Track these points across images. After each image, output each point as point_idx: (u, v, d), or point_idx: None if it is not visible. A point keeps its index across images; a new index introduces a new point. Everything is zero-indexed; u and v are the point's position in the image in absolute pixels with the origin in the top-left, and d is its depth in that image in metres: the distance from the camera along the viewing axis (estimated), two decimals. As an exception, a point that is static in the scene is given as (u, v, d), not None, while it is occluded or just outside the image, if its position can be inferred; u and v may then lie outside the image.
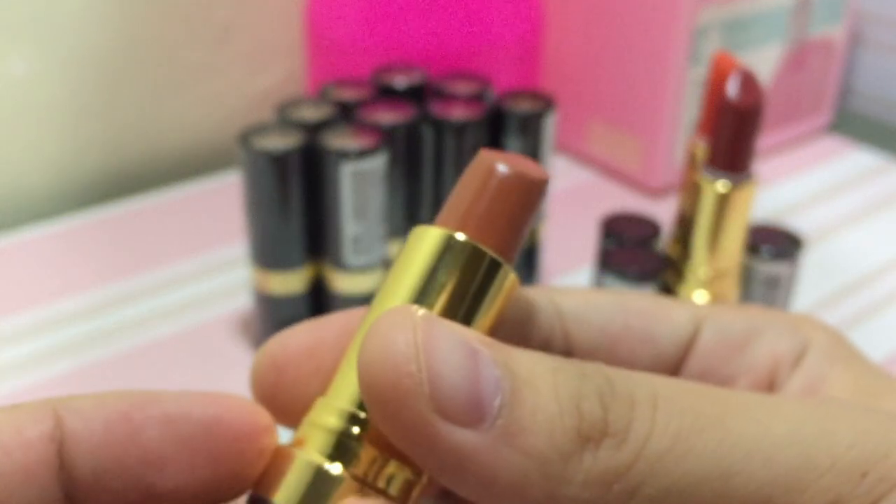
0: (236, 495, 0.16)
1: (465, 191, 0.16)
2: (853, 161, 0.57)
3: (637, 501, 0.13)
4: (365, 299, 0.37)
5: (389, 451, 0.15)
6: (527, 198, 0.16)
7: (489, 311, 0.16)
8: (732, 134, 0.31)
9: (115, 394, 0.15)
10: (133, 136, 0.54)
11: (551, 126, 0.39)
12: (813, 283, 0.44)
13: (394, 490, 0.15)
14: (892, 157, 0.57)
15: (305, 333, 0.18)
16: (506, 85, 0.44)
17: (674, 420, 0.14)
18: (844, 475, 0.13)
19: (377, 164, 0.35)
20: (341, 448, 0.15)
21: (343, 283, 0.37)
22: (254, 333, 0.39)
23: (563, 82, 0.54)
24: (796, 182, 0.54)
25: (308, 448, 0.15)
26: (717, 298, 0.34)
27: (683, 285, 0.34)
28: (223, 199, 0.50)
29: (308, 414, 0.16)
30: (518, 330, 0.18)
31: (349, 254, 0.36)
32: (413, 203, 0.39)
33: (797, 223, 0.49)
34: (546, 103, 0.39)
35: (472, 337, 0.14)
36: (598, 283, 0.36)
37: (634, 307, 0.19)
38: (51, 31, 0.49)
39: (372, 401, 0.13)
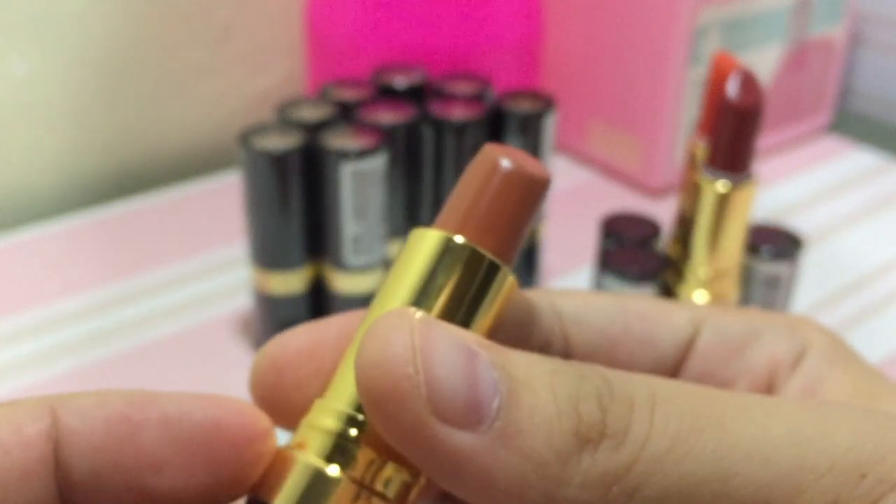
0: (234, 499, 0.16)
1: (466, 189, 0.16)
2: (853, 161, 0.57)
3: (636, 503, 0.13)
4: (365, 299, 0.37)
5: (387, 453, 0.15)
6: (528, 196, 0.16)
7: (488, 314, 0.16)
8: (732, 134, 0.31)
9: (115, 393, 0.15)
10: (133, 136, 0.54)
11: (551, 126, 0.39)
12: (813, 283, 0.44)
13: (391, 492, 0.15)
14: (892, 157, 0.57)
15: (305, 335, 0.18)
16: (506, 85, 0.44)
17: (672, 421, 0.14)
18: (843, 476, 0.13)
19: (377, 164, 0.35)
20: (339, 450, 0.15)
21: (343, 283, 0.37)
22: (254, 333, 0.39)
23: (563, 82, 0.54)
24: (796, 182, 0.54)
25: (306, 450, 0.15)
26: (717, 298, 0.34)
27: (683, 285, 0.34)
28: (223, 199, 0.50)
29: (307, 416, 0.16)
30: (517, 332, 0.18)
31: (349, 254, 0.36)
32: (413, 203, 0.39)
33: (797, 223, 0.49)
34: (546, 103, 0.39)
35: (469, 339, 0.14)
36: (598, 284, 0.36)
37: (634, 309, 0.19)
38: (51, 31, 0.49)
39: (369, 403, 0.13)
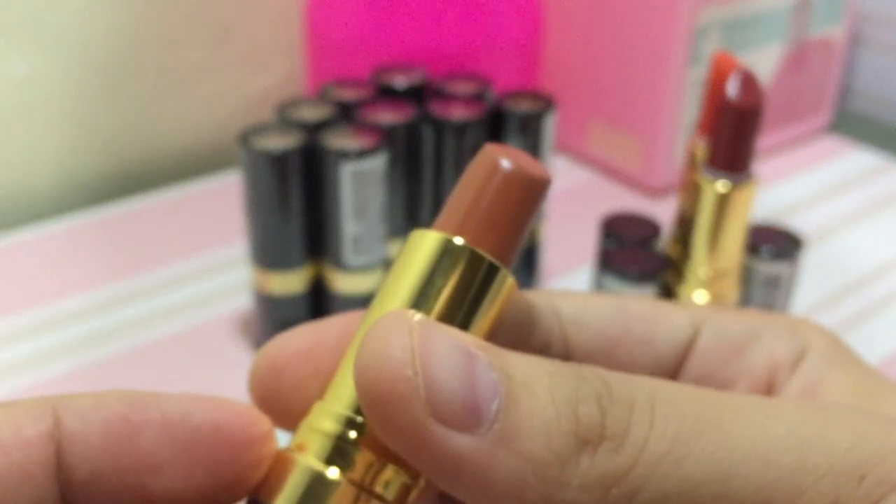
0: (234, 500, 0.16)
1: (466, 190, 0.16)
2: (853, 161, 0.57)
3: None
4: (365, 299, 0.37)
5: (387, 455, 0.15)
6: (528, 197, 0.16)
7: (487, 315, 0.16)
8: (732, 134, 0.31)
9: (115, 394, 0.15)
10: (133, 136, 0.54)
11: (551, 126, 0.39)
12: (813, 283, 0.44)
13: (391, 494, 0.15)
14: (892, 157, 0.57)
15: (304, 336, 0.18)
16: (506, 85, 0.44)
17: (672, 423, 0.14)
18: (843, 478, 0.13)
19: (377, 164, 0.35)
20: (339, 453, 0.15)
21: (343, 283, 0.37)
22: (254, 333, 0.39)
23: (563, 82, 0.54)
24: (796, 182, 0.54)
25: (306, 452, 0.15)
26: (717, 298, 0.34)
27: (683, 285, 0.34)
28: (223, 199, 0.50)
29: (306, 418, 0.16)
30: (517, 334, 0.18)
31: (349, 254, 0.36)
32: (413, 203, 0.39)
33: (797, 223, 0.49)
34: (546, 103, 0.39)
35: (468, 341, 0.14)
36: (598, 284, 0.36)
37: (634, 310, 0.19)
38: (51, 31, 0.49)
39: (368, 405, 0.13)
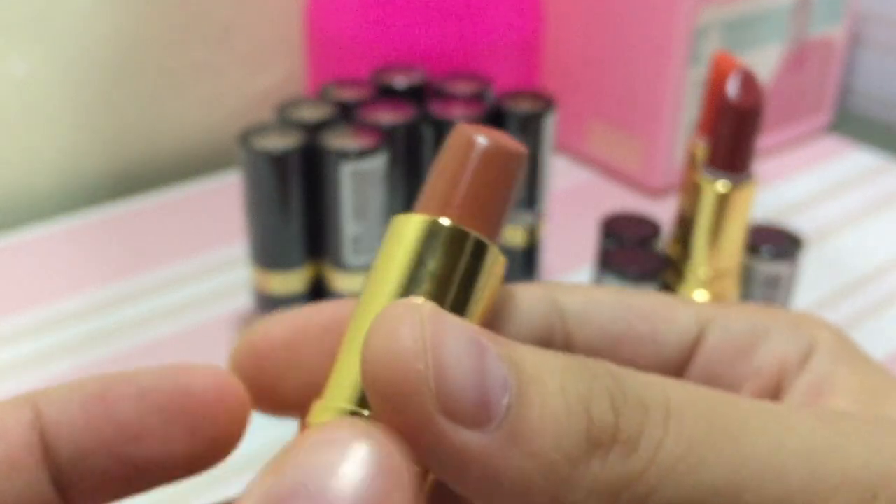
0: (216, 461, 0.16)
1: (444, 170, 0.16)
2: (853, 161, 0.57)
3: None
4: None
5: None
6: (507, 172, 0.16)
7: (482, 295, 0.15)
8: (732, 134, 0.31)
9: (90, 377, 0.15)
10: (133, 136, 0.54)
11: (551, 126, 0.39)
12: (813, 284, 0.44)
13: None
14: (892, 157, 0.57)
15: (288, 324, 0.17)
16: (506, 85, 0.44)
17: (686, 428, 0.13)
18: (855, 494, 0.13)
19: (377, 164, 0.35)
20: None
21: (343, 283, 0.37)
22: (254, 333, 0.39)
23: (563, 82, 0.54)
24: (796, 182, 0.54)
25: None
26: (717, 298, 0.34)
27: (683, 285, 0.34)
28: (223, 199, 0.50)
29: (308, 419, 0.15)
30: (517, 326, 0.18)
31: (349, 254, 0.36)
32: (413, 203, 0.39)
33: (797, 223, 0.49)
34: (546, 103, 0.39)
35: (479, 332, 0.13)
36: (598, 284, 0.36)
37: (638, 307, 0.18)
38: (51, 31, 0.49)
39: (376, 398, 0.13)
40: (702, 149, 0.33)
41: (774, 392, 0.18)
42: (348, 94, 0.39)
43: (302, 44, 0.57)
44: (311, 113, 0.37)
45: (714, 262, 0.34)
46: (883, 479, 0.13)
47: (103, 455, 0.15)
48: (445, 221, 0.15)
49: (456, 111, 0.38)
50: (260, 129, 0.36)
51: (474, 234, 0.15)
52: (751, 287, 0.36)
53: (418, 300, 0.14)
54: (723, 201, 0.32)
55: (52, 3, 0.49)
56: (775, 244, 0.36)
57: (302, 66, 0.58)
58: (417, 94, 0.40)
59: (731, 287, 0.34)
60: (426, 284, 0.15)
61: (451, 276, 0.15)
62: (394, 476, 0.12)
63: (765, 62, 0.53)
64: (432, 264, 0.15)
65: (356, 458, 0.12)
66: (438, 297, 0.15)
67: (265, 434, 0.34)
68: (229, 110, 0.56)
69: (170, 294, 0.42)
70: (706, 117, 0.33)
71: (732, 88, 0.31)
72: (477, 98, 0.39)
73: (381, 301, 0.15)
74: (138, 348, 0.39)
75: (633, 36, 0.49)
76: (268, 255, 0.36)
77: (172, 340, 0.39)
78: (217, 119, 0.56)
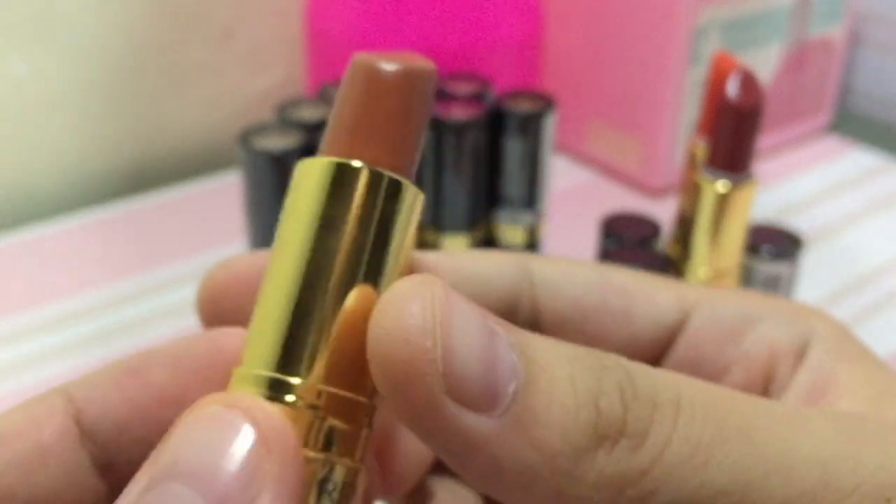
0: None
1: (347, 105, 0.14)
2: (853, 161, 0.57)
3: None
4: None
5: (328, 410, 0.14)
6: (418, 95, 0.14)
7: (403, 237, 0.14)
8: (732, 134, 0.31)
9: (120, 360, 0.16)
10: (133, 136, 0.54)
11: (551, 126, 0.39)
12: (813, 283, 0.44)
13: (338, 475, 0.14)
14: (892, 157, 0.57)
15: (252, 260, 0.17)
16: (506, 85, 0.44)
17: (696, 426, 0.13)
18: (868, 500, 0.13)
19: (377, 164, 0.35)
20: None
21: (343, 283, 0.37)
22: (254, 333, 0.39)
23: (563, 82, 0.54)
24: (796, 182, 0.54)
25: None
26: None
27: (683, 285, 0.34)
28: (223, 199, 0.50)
29: (228, 389, 0.14)
30: (477, 288, 0.17)
31: (349, 254, 0.36)
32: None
33: (797, 223, 0.49)
34: (546, 103, 0.39)
35: (490, 317, 0.13)
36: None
37: (617, 282, 0.18)
38: (51, 31, 0.49)
39: (381, 375, 0.13)
40: (702, 149, 0.33)
41: (764, 378, 0.17)
42: (348, 94, 0.39)
43: (302, 44, 0.57)
44: (311, 113, 0.37)
45: (714, 262, 0.34)
46: None
47: (142, 424, 0.15)
48: (356, 163, 0.14)
49: (456, 111, 0.38)
50: (260, 129, 0.36)
51: (388, 173, 0.14)
52: (751, 287, 0.36)
53: (432, 277, 0.13)
54: (723, 201, 0.32)
55: (52, 3, 0.49)
56: (775, 244, 0.36)
57: (302, 66, 0.58)
58: (417, 94, 0.40)
59: (732, 287, 0.34)
60: (342, 231, 0.14)
61: (368, 220, 0.14)
62: (273, 465, 0.12)
63: (765, 62, 0.53)
64: (344, 209, 0.14)
65: (235, 440, 0.12)
66: (355, 245, 0.14)
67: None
68: (229, 110, 0.56)
69: (170, 294, 0.42)
70: (706, 117, 0.33)
71: (732, 88, 0.31)
72: (477, 98, 0.39)
73: (293, 258, 0.14)
74: (138, 348, 0.39)
75: (633, 36, 0.49)
76: (268, 255, 0.36)
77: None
78: (217, 119, 0.56)
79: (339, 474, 0.14)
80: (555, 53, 0.54)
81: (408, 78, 0.14)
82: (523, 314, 0.17)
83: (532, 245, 0.42)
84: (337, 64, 0.48)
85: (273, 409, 0.13)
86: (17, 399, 0.15)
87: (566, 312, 0.17)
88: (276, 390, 0.13)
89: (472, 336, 0.12)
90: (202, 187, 0.52)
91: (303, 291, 0.14)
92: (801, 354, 0.17)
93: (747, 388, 0.17)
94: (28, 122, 0.50)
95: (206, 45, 0.54)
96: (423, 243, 0.41)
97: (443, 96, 0.39)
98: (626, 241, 0.36)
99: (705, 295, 0.18)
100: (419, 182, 0.15)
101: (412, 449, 0.17)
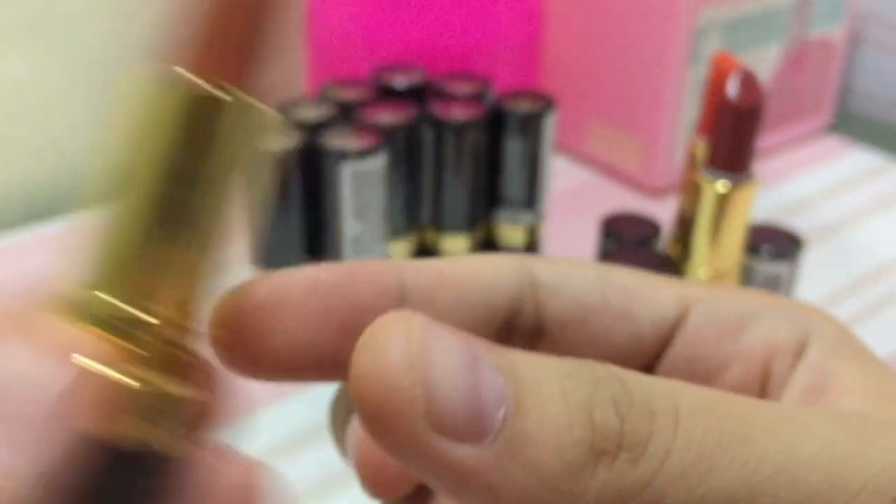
0: None
1: (181, 21, 0.14)
2: (853, 161, 0.57)
3: None
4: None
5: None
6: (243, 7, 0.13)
7: (240, 158, 0.13)
8: (732, 134, 0.31)
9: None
10: (133, 136, 0.54)
11: (551, 126, 0.39)
12: (813, 283, 0.44)
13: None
14: (892, 157, 0.57)
15: (269, 284, 0.17)
16: (506, 85, 0.44)
17: (697, 434, 0.13)
18: (875, 500, 0.13)
19: (377, 164, 0.35)
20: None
21: (343, 283, 0.37)
22: (254, 333, 0.39)
23: (563, 82, 0.54)
24: (796, 182, 0.54)
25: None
26: (717, 298, 0.34)
27: (683, 285, 0.34)
28: (223, 199, 0.50)
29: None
30: (482, 294, 0.17)
31: (349, 254, 0.36)
32: (413, 203, 0.39)
33: (797, 223, 0.49)
34: (546, 103, 0.39)
35: (473, 341, 0.13)
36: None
37: (617, 281, 0.18)
38: (51, 31, 0.49)
39: (364, 416, 0.12)
40: (702, 149, 0.33)
41: (762, 375, 0.17)
42: (348, 94, 0.39)
43: (302, 44, 0.57)
44: (311, 113, 0.37)
45: (714, 261, 0.34)
46: None
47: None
48: (179, 72, 0.13)
49: (456, 111, 0.38)
50: (260, 129, 0.36)
51: (214, 86, 0.13)
52: (751, 287, 0.36)
53: (409, 313, 0.13)
54: (723, 201, 0.32)
55: (52, 3, 0.49)
56: (775, 244, 0.36)
57: (302, 66, 0.58)
58: (417, 94, 0.40)
59: (730, 285, 0.34)
60: (175, 159, 0.13)
61: (199, 140, 0.13)
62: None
63: (765, 62, 0.53)
64: (173, 132, 0.13)
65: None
66: (184, 171, 0.13)
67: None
68: (229, 110, 0.56)
69: (170, 294, 0.42)
70: (706, 117, 0.33)
71: (732, 88, 0.31)
72: (477, 98, 0.39)
73: (118, 164, 0.13)
74: (138, 348, 0.39)
75: (633, 36, 0.49)
76: (268, 256, 0.36)
77: (172, 340, 0.39)
78: (217, 119, 0.56)
79: (161, 399, 0.13)
80: (555, 53, 0.54)
81: None
82: (527, 316, 0.17)
83: (532, 245, 0.42)
84: (337, 64, 0.48)
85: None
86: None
87: (568, 313, 0.17)
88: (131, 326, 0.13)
89: (454, 367, 0.12)
90: (202, 187, 0.52)
91: (115, 196, 0.13)
92: (800, 352, 0.17)
93: (745, 384, 0.17)
94: (28, 122, 0.50)
95: (206, 45, 0.54)
96: (423, 243, 0.41)
97: (443, 96, 0.39)
98: (626, 241, 0.36)
99: (704, 292, 0.18)
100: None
101: None
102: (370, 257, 0.36)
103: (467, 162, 0.38)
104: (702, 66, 0.49)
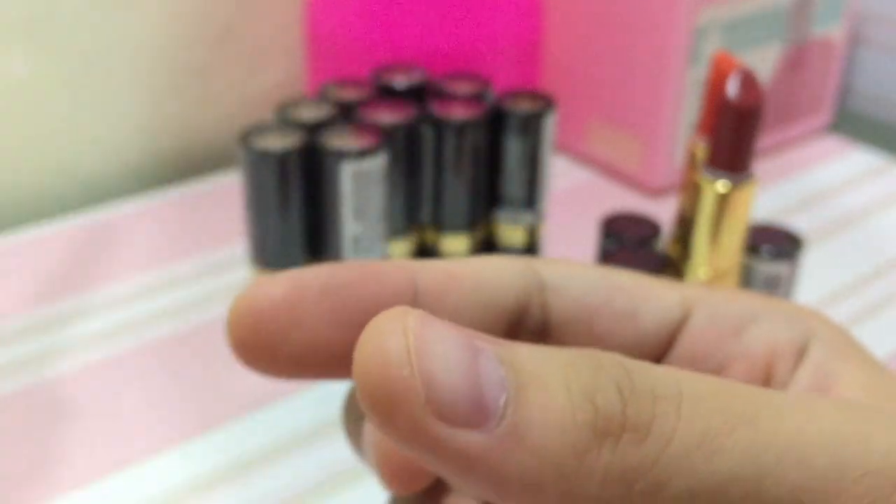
0: None
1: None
2: (853, 161, 0.57)
3: (661, 501, 0.13)
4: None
5: None
6: None
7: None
8: (732, 134, 0.31)
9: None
10: (133, 136, 0.54)
11: (551, 126, 0.39)
12: (813, 283, 0.44)
13: None
14: (892, 157, 0.57)
15: (286, 282, 0.17)
16: (506, 85, 0.44)
17: (701, 416, 0.13)
18: (879, 483, 0.13)
19: (377, 164, 0.35)
20: None
21: (343, 283, 0.37)
22: (254, 333, 0.39)
23: (563, 82, 0.54)
24: (796, 182, 0.54)
25: None
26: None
27: (683, 285, 0.34)
28: (223, 199, 0.50)
29: None
30: (493, 297, 0.17)
31: (349, 254, 0.36)
32: (413, 203, 0.39)
33: (797, 223, 0.49)
34: (546, 103, 0.39)
35: (472, 334, 0.13)
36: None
37: (620, 282, 0.18)
38: (51, 31, 0.49)
39: (369, 409, 0.13)
40: (702, 149, 0.33)
41: (764, 376, 0.17)
42: (348, 94, 0.39)
43: (302, 44, 0.57)
44: (311, 113, 0.37)
45: (714, 262, 0.34)
46: None
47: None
48: None
49: (456, 111, 0.38)
50: (260, 129, 0.36)
51: None
52: (751, 287, 0.36)
53: (405, 308, 0.13)
54: (723, 201, 0.32)
55: (52, 3, 0.49)
56: (775, 244, 0.36)
57: (302, 66, 0.58)
58: (417, 94, 0.40)
59: (732, 287, 0.34)
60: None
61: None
62: None
63: (765, 62, 0.53)
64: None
65: None
66: None
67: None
68: (229, 110, 0.56)
69: (170, 294, 0.42)
70: (706, 117, 0.33)
71: (732, 88, 0.31)
72: (477, 98, 0.39)
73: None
74: (138, 348, 0.39)
75: (633, 36, 0.49)
76: (268, 255, 0.36)
77: (172, 340, 0.39)
78: (217, 119, 0.56)
79: None
80: (555, 53, 0.54)
81: None
82: (533, 316, 0.18)
83: (532, 245, 0.42)
84: (337, 64, 0.48)
85: None
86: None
87: (573, 313, 0.18)
88: None
89: (452, 356, 0.13)
90: (202, 187, 0.52)
91: None
92: (801, 354, 0.17)
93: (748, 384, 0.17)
94: (28, 121, 0.50)
95: (205, 44, 0.54)
96: (423, 243, 0.41)
97: (443, 96, 0.39)
98: (626, 241, 0.36)
99: (706, 294, 0.18)
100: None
101: None
102: (370, 257, 0.36)
103: (467, 162, 0.38)
104: (702, 66, 0.49)
